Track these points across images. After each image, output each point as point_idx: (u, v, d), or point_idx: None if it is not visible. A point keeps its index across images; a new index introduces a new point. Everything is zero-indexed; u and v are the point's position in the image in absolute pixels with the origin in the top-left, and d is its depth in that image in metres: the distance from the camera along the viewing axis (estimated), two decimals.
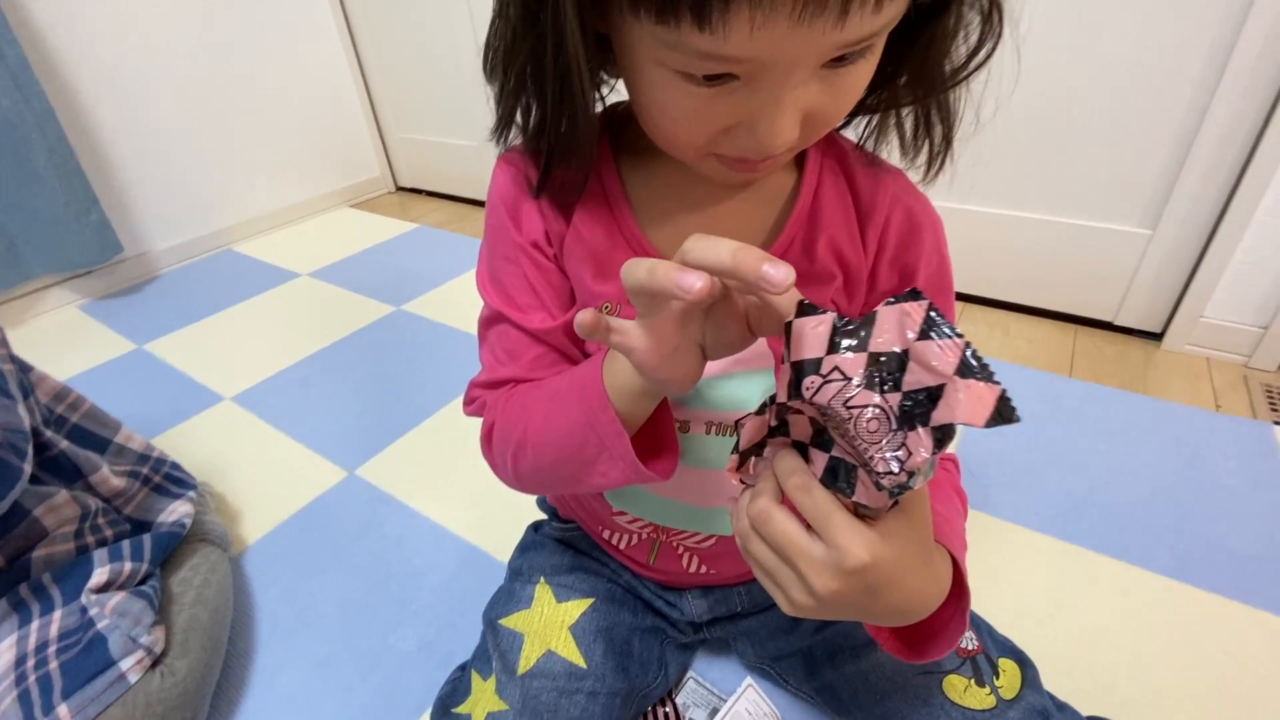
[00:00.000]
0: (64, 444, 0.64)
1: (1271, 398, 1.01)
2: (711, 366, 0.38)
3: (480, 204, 1.99)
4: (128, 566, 0.61)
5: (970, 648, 0.53)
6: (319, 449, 1.02)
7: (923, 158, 0.41)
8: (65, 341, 1.40)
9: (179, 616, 0.64)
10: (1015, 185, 1.16)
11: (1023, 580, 0.75)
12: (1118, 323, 1.18)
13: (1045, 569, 0.76)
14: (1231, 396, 1.02)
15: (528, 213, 0.45)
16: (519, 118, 0.40)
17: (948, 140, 0.40)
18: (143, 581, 0.63)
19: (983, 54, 0.36)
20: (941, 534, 0.36)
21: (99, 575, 0.59)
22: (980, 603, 0.59)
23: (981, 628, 0.55)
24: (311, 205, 2.00)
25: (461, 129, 1.90)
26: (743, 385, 0.46)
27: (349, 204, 2.08)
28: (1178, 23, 0.94)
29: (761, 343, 0.45)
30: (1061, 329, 1.21)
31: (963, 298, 1.31)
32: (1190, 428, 0.95)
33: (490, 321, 0.48)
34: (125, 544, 0.63)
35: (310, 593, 0.79)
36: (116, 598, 0.58)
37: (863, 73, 0.32)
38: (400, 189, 2.20)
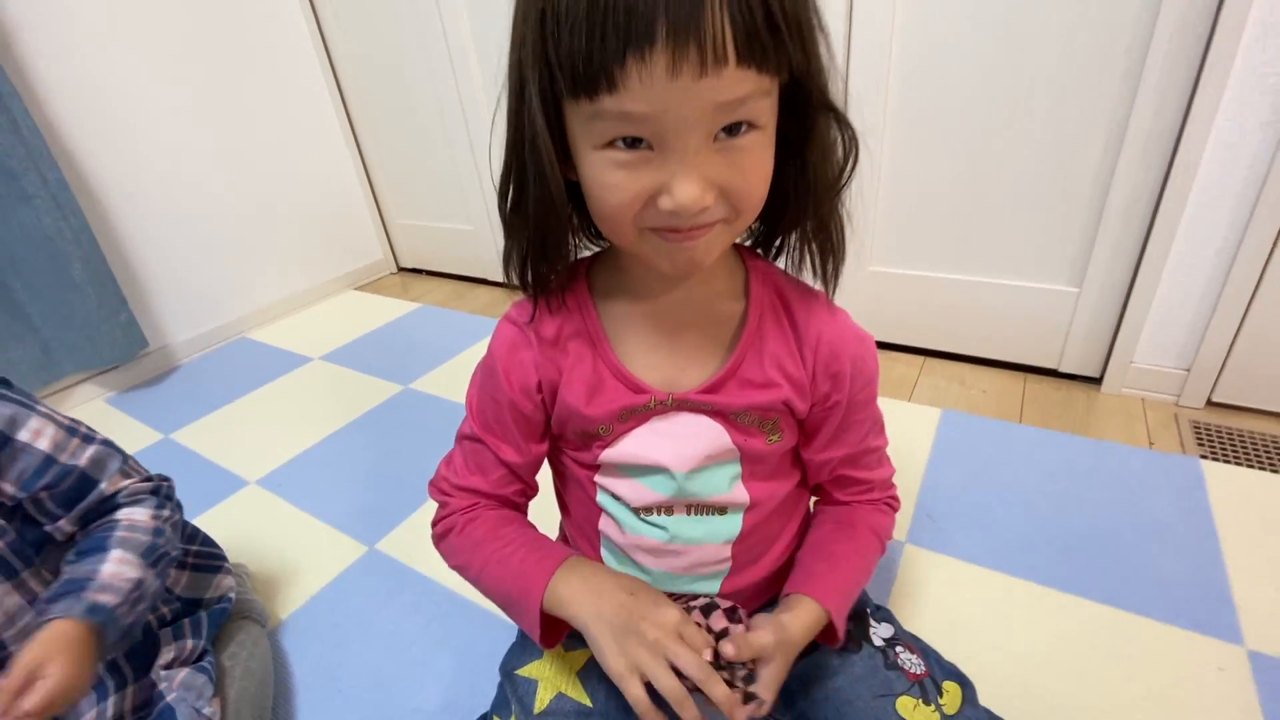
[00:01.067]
0: None
1: (1199, 433, 1.12)
2: (691, 461, 0.56)
3: (477, 281, 2.14)
4: (190, 644, 0.70)
5: (919, 672, 0.62)
6: (340, 526, 1.12)
7: (826, 272, 0.53)
8: None
9: (231, 689, 0.73)
10: (958, 251, 1.31)
11: (976, 612, 0.84)
12: (1061, 369, 1.30)
13: (997, 602, 0.85)
14: (1164, 434, 1.13)
15: (522, 365, 0.56)
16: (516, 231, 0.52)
17: (838, 255, 0.52)
18: (200, 657, 0.72)
19: (850, 163, 0.48)
20: (816, 588, 0.56)
21: (166, 653, 0.68)
22: (936, 633, 0.68)
23: (930, 655, 0.65)
24: (319, 290, 2.13)
25: (457, 214, 2.06)
26: (714, 475, 0.58)
27: (353, 287, 2.22)
28: (1081, 106, 1.09)
29: (727, 439, 0.57)
30: (1012, 377, 1.33)
31: (924, 352, 1.43)
32: (1126, 466, 1.06)
33: (468, 437, 0.61)
34: (186, 623, 0.72)
35: (340, 662, 0.87)
36: (182, 673, 0.67)
37: (758, 150, 0.43)
38: (402, 269, 2.35)
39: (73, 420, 0.67)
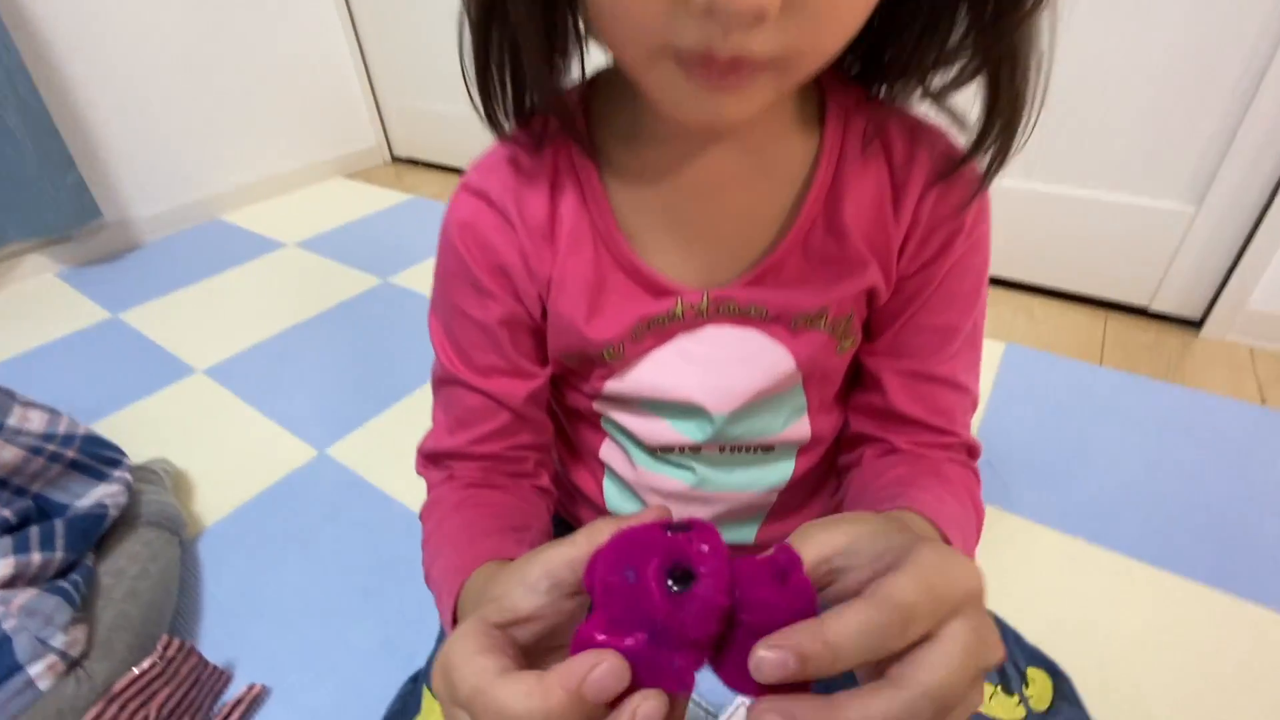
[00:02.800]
0: None
1: None
2: (737, 398, 0.39)
3: None
4: (37, 558, 0.55)
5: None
6: (290, 426, 0.96)
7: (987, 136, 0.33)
8: (38, 309, 1.34)
9: (105, 613, 0.58)
10: (1045, 156, 1.07)
11: (1048, 586, 0.67)
12: (1153, 308, 1.09)
13: (1073, 574, 0.68)
14: (1278, 390, 0.93)
15: (496, 248, 0.37)
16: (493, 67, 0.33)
17: (1019, 111, 0.31)
18: (62, 574, 0.57)
19: None
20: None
21: (2, 568, 0.53)
22: (1000, 608, 0.52)
23: (1008, 633, 0.48)
24: (303, 175, 1.92)
25: (462, 96, 1.79)
26: (767, 413, 0.43)
27: (343, 175, 2.01)
28: None
29: (790, 362, 0.39)
30: (1091, 314, 1.12)
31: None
32: (1234, 422, 0.87)
33: (442, 381, 0.42)
34: (33, 531, 0.56)
35: (267, 581, 0.73)
36: (25, 595, 0.52)
37: None
38: (396, 159, 2.12)
39: None
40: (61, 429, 0.65)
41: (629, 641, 0.19)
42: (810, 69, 0.27)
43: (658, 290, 0.38)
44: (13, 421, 0.61)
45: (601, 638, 0.19)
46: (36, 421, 0.63)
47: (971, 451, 0.42)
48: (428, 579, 0.39)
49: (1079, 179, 1.06)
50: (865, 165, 0.36)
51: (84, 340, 1.22)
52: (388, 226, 1.63)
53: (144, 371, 1.11)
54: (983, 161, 0.33)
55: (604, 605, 0.20)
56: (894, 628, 0.18)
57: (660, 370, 0.40)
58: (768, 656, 0.18)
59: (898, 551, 0.20)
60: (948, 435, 0.42)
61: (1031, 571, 0.69)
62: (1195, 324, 1.07)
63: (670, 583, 0.19)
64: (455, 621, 0.33)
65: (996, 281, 1.21)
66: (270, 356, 1.13)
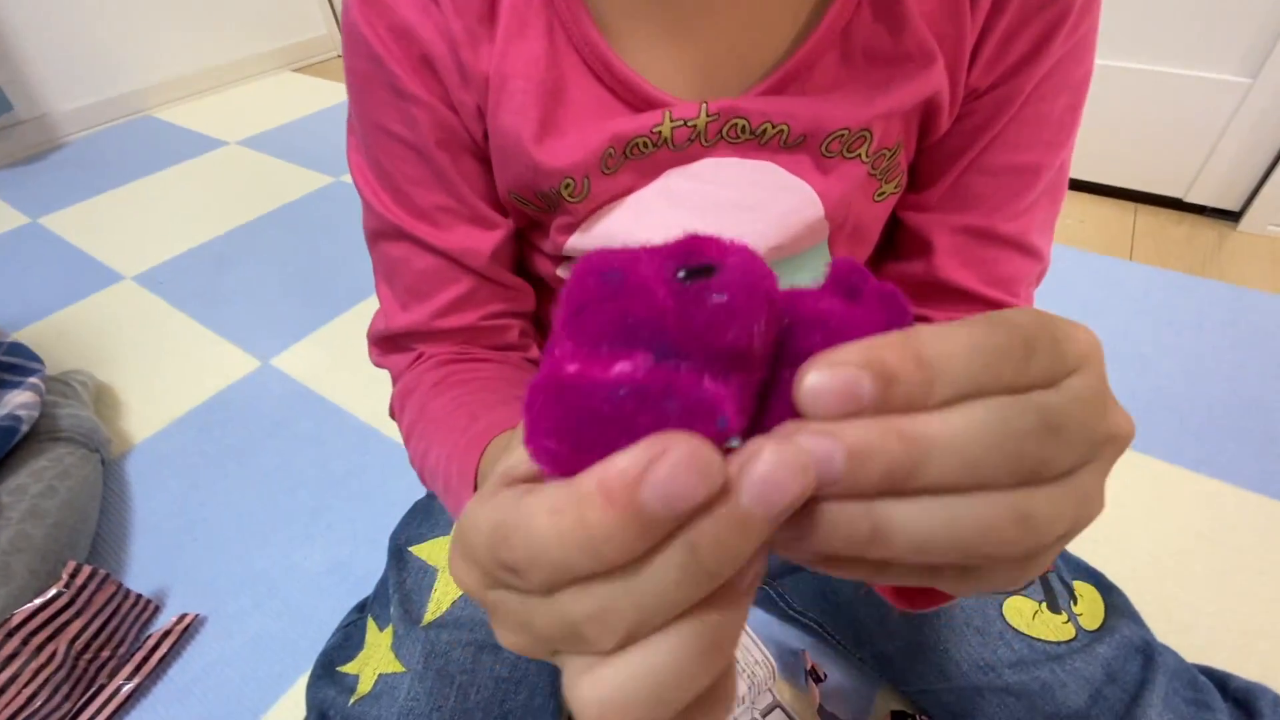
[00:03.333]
0: None
1: None
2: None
3: None
4: None
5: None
6: (229, 335, 0.85)
7: None
8: None
9: (1, 535, 0.49)
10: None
11: None
12: (1188, 199, 0.99)
13: (1111, 481, 0.62)
14: None
15: (420, 31, 0.27)
16: None
17: None
18: None
19: None
20: None
21: None
22: None
23: None
24: (246, 66, 1.72)
25: None
26: (784, 277, 0.31)
27: (290, 67, 1.80)
28: None
29: (818, 204, 0.29)
30: (1119, 207, 1.02)
31: None
32: (1274, 318, 0.79)
33: (379, 235, 0.32)
34: None
35: (202, 502, 0.65)
36: None
37: None
38: None
39: None
40: None
41: (621, 366, 0.10)
42: None
43: (638, 100, 0.27)
44: None
45: (573, 368, 0.10)
46: None
47: None
48: (422, 475, 0.31)
49: (1128, 52, 0.93)
50: None
51: (0, 248, 1.09)
52: (340, 123, 1.46)
53: (66, 279, 0.99)
54: None
55: (574, 326, 0.11)
56: (1014, 352, 0.11)
57: (639, 219, 0.30)
58: (822, 379, 0.10)
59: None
60: (1007, 304, 0.33)
61: None
62: (1234, 216, 0.97)
63: (680, 273, 0.10)
64: None
65: None
66: (208, 261, 1.01)
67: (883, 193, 0.32)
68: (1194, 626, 0.51)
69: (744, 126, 0.28)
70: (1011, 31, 0.27)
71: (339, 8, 1.83)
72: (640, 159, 0.29)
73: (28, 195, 1.24)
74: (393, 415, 0.35)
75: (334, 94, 1.60)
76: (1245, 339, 0.76)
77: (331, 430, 0.71)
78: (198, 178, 1.26)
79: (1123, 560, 0.55)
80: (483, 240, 0.31)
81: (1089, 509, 0.13)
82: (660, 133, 0.28)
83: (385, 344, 0.35)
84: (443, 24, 0.27)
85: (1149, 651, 0.35)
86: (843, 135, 0.28)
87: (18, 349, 0.63)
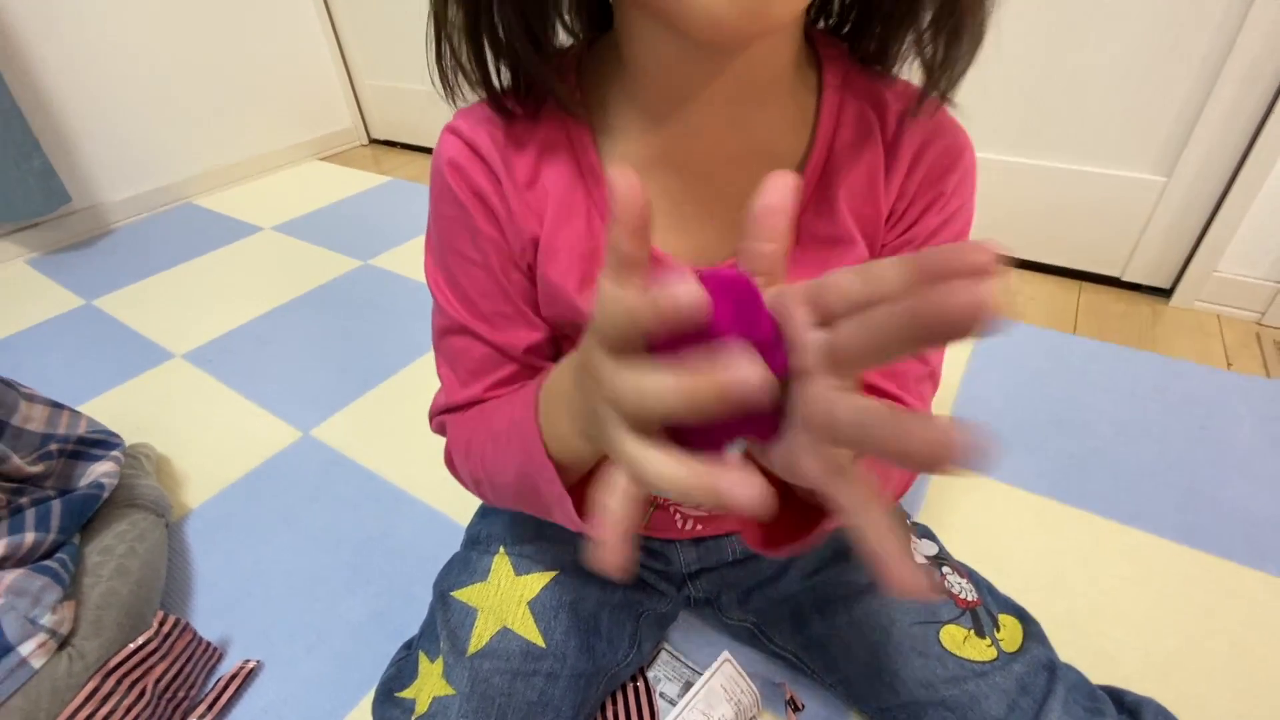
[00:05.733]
0: None
1: None
2: None
3: None
4: (29, 538, 0.55)
5: (970, 599, 0.48)
6: (272, 408, 0.95)
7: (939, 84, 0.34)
8: (9, 298, 1.31)
9: (93, 591, 0.58)
10: (1018, 128, 1.09)
11: (1021, 545, 0.70)
12: (1125, 278, 1.12)
13: (1046, 533, 0.71)
14: (1243, 355, 0.96)
15: (490, 196, 0.37)
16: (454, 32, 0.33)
17: (967, 57, 0.32)
18: (49, 554, 0.57)
19: None
20: None
21: None
22: (973, 564, 0.54)
23: (981, 584, 0.51)
24: (278, 157, 1.89)
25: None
26: None
27: (318, 157, 1.97)
28: None
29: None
30: (1064, 285, 1.14)
31: None
32: (1201, 386, 0.89)
33: (447, 331, 0.41)
34: (29, 514, 0.56)
35: (255, 560, 0.73)
36: (12, 575, 0.52)
37: None
38: (374, 141, 2.09)
39: None
40: (62, 426, 0.65)
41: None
42: None
43: (655, 264, 0.38)
44: (16, 421, 0.60)
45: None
46: (36, 420, 0.63)
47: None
48: (497, 469, 0.37)
49: (1055, 152, 1.08)
50: (860, 141, 0.36)
51: (57, 327, 1.20)
52: (367, 209, 1.61)
53: (121, 357, 1.10)
54: (940, 87, 0.34)
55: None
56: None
57: None
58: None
59: None
60: (900, 400, 0.41)
61: (1007, 532, 0.71)
62: (1165, 293, 1.09)
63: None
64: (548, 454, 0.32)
65: None
66: (250, 340, 1.12)
67: None
68: (1119, 659, 0.59)
69: None
70: (906, 207, 0.38)
71: (364, 102, 2.02)
72: None
73: (82, 279, 1.36)
74: (449, 463, 0.43)
75: (358, 182, 1.76)
76: (1173, 405, 0.86)
77: (368, 495, 0.80)
78: (237, 261, 1.39)
79: (1058, 602, 0.64)
80: (527, 338, 0.40)
81: None
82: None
83: (446, 414, 0.44)
84: (502, 195, 0.37)
85: (1053, 668, 0.44)
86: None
87: (100, 427, 0.73)
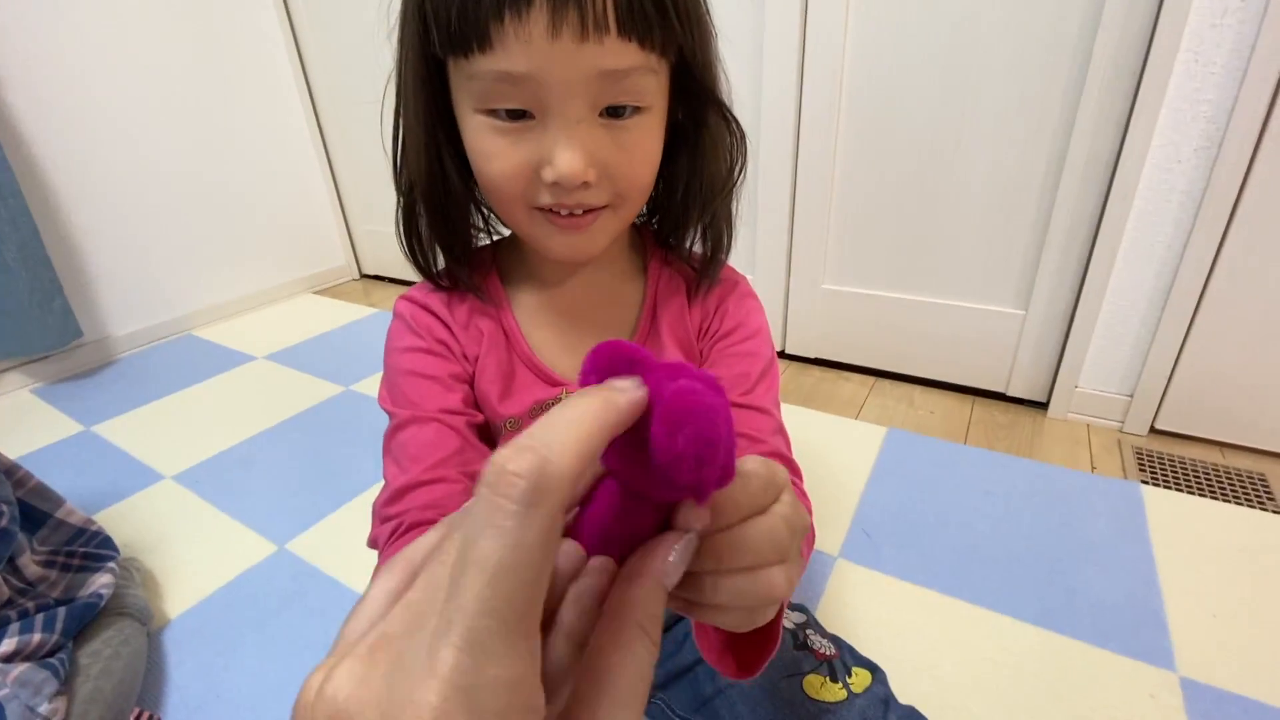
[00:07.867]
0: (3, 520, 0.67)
1: (1141, 459, 1.10)
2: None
3: None
4: (37, 637, 0.64)
5: (828, 653, 0.59)
6: (250, 524, 1.05)
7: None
8: (11, 425, 1.42)
9: (82, 688, 0.66)
10: (909, 271, 1.30)
11: (904, 630, 0.80)
12: (1009, 393, 1.29)
13: (926, 620, 0.81)
14: (1106, 459, 1.11)
15: (442, 335, 0.53)
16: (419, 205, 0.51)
17: (724, 252, 0.53)
18: (52, 654, 0.65)
19: (739, 162, 0.49)
20: None
21: (7, 645, 0.62)
22: (861, 648, 0.64)
23: (842, 645, 0.62)
24: (276, 292, 2.08)
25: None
26: None
27: (313, 290, 2.18)
28: (1024, 131, 1.11)
29: None
30: (961, 400, 1.32)
31: (875, 373, 1.42)
32: (1067, 488, 1.04)
33: (395, 432, 0.50)
34: (37, 618, 0.66)
35: (225, 667, 0.81)
36: (20, 668, 0.61)
37: (644, 132, 0.42)
38: (365, 276, 2.31)
39: None
40: (94, 527, 0.80)
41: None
42: (631, 208, 0.45)
43: (550, 381, 0.53)
44: (60, 515, 0.75)
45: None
46: (76, 517, 0.78)
47: (792, 469, 0.52)
48: None
49: (936, 289, 1.29)
50: (672, 291, 0.55)
51: (56, 452, 1.30)
52: (353, 338, 1.78)
53: (115, 479, 1.20)
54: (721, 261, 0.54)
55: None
56: (770, 487, 0.24)
57: None
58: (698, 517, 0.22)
59: None
60: (761, 444, 0.52)
61: (893, 618, 0.82)
62: (1044, 405, 1.27)
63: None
64: None
65: (885, 375, 1.41)
66: (234, 461, 1.23)
67: None
68: None
69: None
70: (709, 321, 0.55)
71: (358, 243, 2.26)
72: (548, 409, 0.54)
73: (83, 406, 1.48)
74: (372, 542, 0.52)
75: (348, 313, 1.95)
76: (1041, 505, 1.00)
77: (334, 602, 0.89)
78: (230, 388, 1.53)
79: (930, 680, 0.73)
80: (463, 418, 0.51)
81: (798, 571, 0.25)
82: (560, 399, 0.54)
83: (382, 510, 0.47)
84: (452, 336, 0.53)
85: (888, 701, 0.55)
86: None
87: (102, 540, 0.83)
